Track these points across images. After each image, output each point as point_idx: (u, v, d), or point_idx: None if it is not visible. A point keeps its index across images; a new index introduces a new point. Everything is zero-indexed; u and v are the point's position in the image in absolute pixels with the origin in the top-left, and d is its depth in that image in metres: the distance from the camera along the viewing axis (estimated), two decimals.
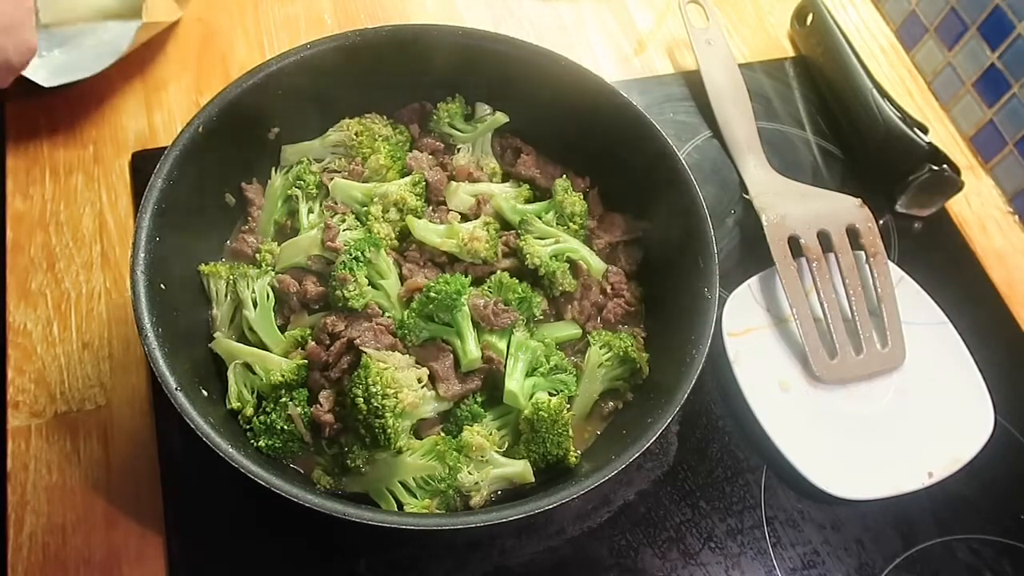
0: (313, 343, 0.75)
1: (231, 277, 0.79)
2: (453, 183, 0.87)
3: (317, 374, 0.75)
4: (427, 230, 0.81)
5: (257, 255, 0.83)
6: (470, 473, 0.72)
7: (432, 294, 0.74)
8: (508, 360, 0.76)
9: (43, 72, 0.93)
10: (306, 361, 0.75)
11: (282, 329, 0.79)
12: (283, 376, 0.74)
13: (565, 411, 0.74)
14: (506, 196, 0.87)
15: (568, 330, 0.83)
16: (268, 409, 0.73)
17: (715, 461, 0.85)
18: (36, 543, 0.75)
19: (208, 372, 0.76)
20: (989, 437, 0.85)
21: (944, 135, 1.13)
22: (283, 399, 0.73)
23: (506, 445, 0.77)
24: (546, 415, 0.73)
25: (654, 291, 0.87)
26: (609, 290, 0.86)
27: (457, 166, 0.90)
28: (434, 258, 0.82)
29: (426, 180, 0.85)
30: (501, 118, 0.90)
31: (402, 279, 0.80)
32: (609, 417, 0.81)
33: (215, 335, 0.78)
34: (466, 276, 0.78)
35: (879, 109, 1.02)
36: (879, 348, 0.89)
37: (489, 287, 0.79)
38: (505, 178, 0.92)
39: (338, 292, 0.75)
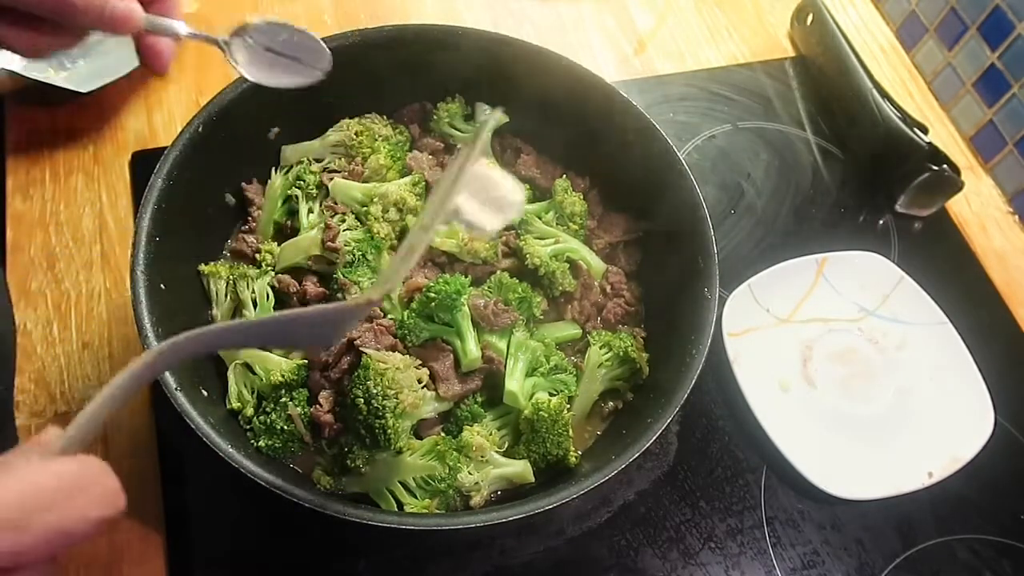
0: None
1: (231, 277, 0.79)
2: None
3: (317, 374, 0.75)
4: None
5: (257, 255, 0.83)
6: (470, 473, 0.72)
7: (432, 294, 0.74)
8: (508, 360, 0.76)
9: (74, 81, 0.94)
10: (306, 361, 0.75)
11: None
12: (283, 376, 0.74)
13: (565, 411, 0.74)
14: None
15: (568, 330, 0.83)
16: (268, 409, 0.73)
17: (715, 461, 0.85)
18: None
19: (208, 372, 0.76)
20: (989, 437, 0.84)
21: (944, 135, 1.13)
22: (283, 399, 0.73)
23: (506, 445, 0.77)
24: (546, 415, 0.73)
25: (654, 291, 0.87)
26: (609, 290, 0.86)
27: None
28: (434, 258, 0.82)
29: (426, 180, 0.85)
30: (501, 118, 0.90)
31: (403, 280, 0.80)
32: (609, 417, 0.81)
33: None
34: (466, 276, 0.78)
35: (879, 109, 1.02)
36: None
37: (489, 287, 0.79)
38: None
39: (339, 295, 0.75)
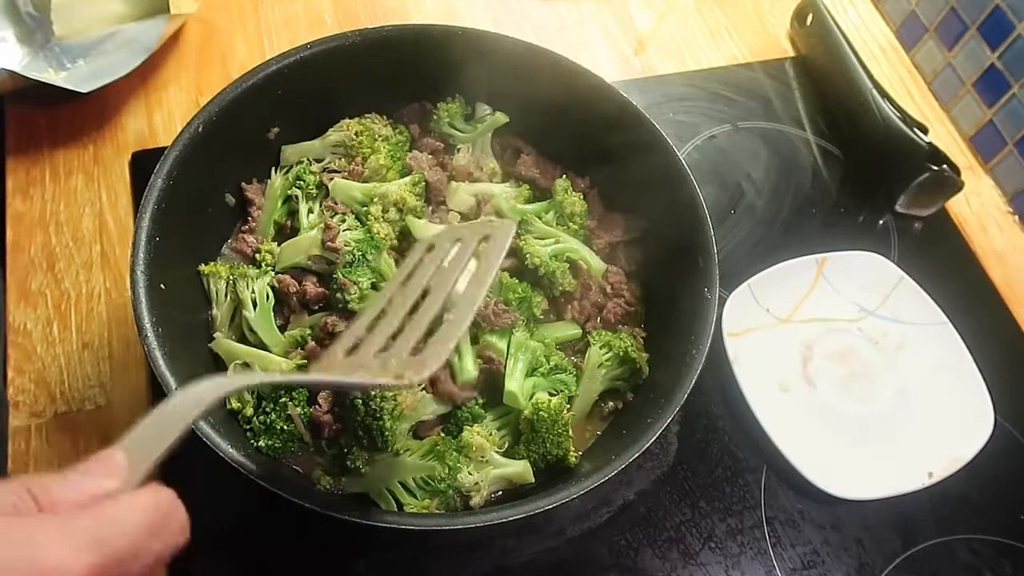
0: (313, 343, 0.75)
1: (231, 277, 0.79)
2: (453, 183, 0.87)
3: None
4: (428, 231, 0.81)
5: (257, 255, 0.83)
6: (470, 473, 0.72)
7: None
8: (508, 360, 0.76)
9: (74, 81, 0.94)
10: (306, 361, 0.75)
11: (282, 329, 0.79)
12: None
13: (565, 411, 0.74)
14: (506, 196, 0.87)
15: (568, 330, 0.83)
16: (268, 409, 0.73)
17: (715, 461, 0.85)
18: None
19: (208, 372, 0.76)
20: (989, 437, 0.84)
21: (944, 135, 1.13)
22: (283, 399, 0.73)
23: (506, 445, 0.77)
24: (546, 415, 0.73)
25: (654, 291, 0.87)
26: (609, 290, 0.86)
27: (457, 166, 0.90)
28: None
29: (426, 180, 0.85)
30: (501, 118, 0.90)
31: None
32: (609, 417, 0.81)
33: (215, 335, 0.78)
34: None
35: (879, 109, 1.02)
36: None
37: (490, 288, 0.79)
38: (505, 178, 0.92)
39: (339, 295, 0.75)
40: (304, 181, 0.85)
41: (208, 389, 0.47)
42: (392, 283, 0.69)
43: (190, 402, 0.45)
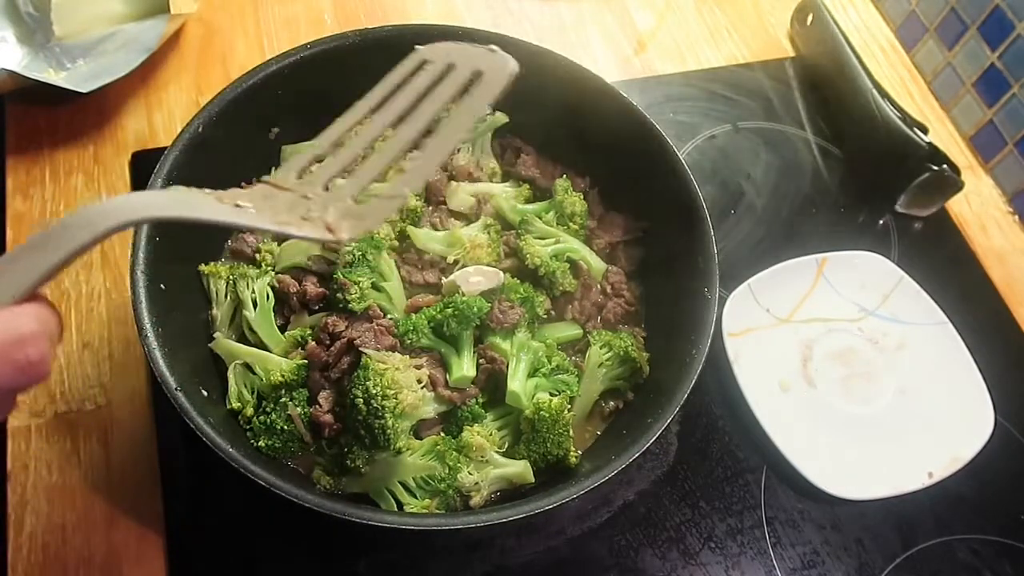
0: (313, 343, 0.75)
1: (231, 277, 0.79)
2: (453, 183, 0.87)
3: (317, 374, 0.74)
4: (429, 239, 0.81)
5: (257, 255, 0.83)
6: (470, 473, 0.72)
7: (451, 308, 0.74)
8: (511, 361, 0.76)
9: (74, 81, 0.94)
10: (306, 361, 0.75)
11: (282, 329, 0.79)
12: (283, 376, 0.73)
13: (566, 411, 0.74)
14: (506, 196, 0.87)
15: (569, 330, 0.83)
16: (268, 409, 0.73)
17: (715, 461, 0.85)
18: (36, 543, 0.75)
19: (208, 372, 0.76)
20: (989, 437, 0.85)
21: (944, 135, 1.13)
22: (283, 399, 0.73)
23: (506, 445, 0.77)
24: (547, 415, 0.73)
25: (654, 291, 0.87)
26: (609, 290, 0.86)
27: (457, 166, 0.90)
28: (433, 261, 0.82)
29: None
30: (501, 118, 0.90)
31: (402, 280, 0.80)
32: (609, 417, 0.81)
33: (215, 335, 0.78)
34: None
35: (879, 109, 1.02)
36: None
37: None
38: (505, 178, 0.92)
39: (339, 295, 0.75)
40: None
41: (111, 211, 0.40)
42: (376, 92, 0.61)
43: (88, 221, 0.39)
